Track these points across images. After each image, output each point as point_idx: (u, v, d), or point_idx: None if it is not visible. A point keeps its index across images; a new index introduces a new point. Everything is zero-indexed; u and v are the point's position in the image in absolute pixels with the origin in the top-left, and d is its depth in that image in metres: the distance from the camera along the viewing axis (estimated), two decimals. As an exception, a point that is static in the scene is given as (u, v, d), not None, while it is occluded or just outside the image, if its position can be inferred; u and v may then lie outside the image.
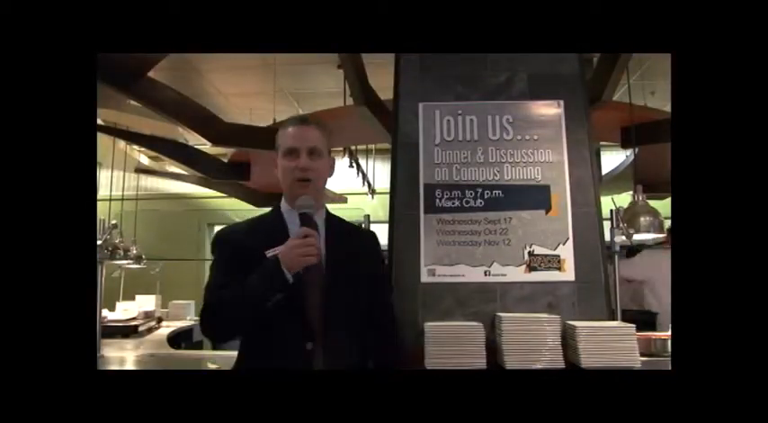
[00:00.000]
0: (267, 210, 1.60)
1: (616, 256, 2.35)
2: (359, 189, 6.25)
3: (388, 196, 2.24)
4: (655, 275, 3.36)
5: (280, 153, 1.48)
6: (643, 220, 2.81)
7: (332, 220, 1.55)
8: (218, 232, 1.52)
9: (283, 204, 1.52)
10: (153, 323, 4.85)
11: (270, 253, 1.37)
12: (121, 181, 5.53)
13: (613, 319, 2.11)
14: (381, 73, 2.94)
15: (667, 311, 2.99)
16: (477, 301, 2.08)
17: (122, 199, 5.46)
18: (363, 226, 2.45)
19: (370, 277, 1.55)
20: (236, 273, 1.36)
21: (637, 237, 2.72)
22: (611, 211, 2.46)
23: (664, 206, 3.19)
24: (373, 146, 6.40)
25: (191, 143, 5.41)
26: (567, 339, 1.92)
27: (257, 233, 1.47)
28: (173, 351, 3.67)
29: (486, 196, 2.14)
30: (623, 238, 2.47)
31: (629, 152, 4.71)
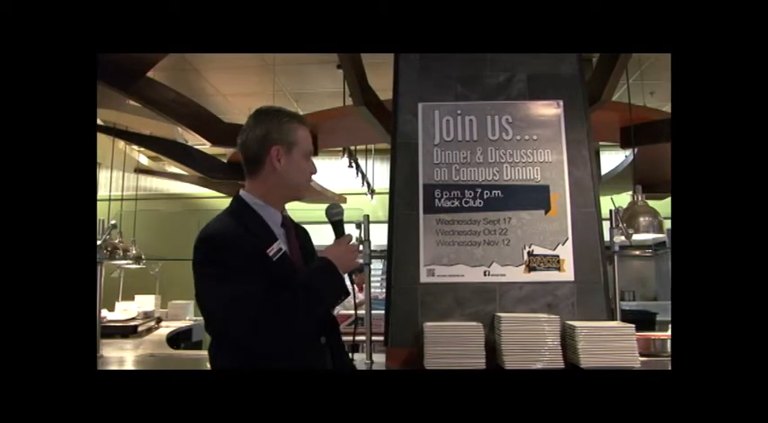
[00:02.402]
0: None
1: (615, 256, 2.36)
2: (358, 189, 6.25)
3: (387, 196, 2.24)
4: None
5: (299, 152, 1.41)
6: (642, 220, 2.82)
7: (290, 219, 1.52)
8: (211, 234, 1.33)
9: (255, 201, 1.41)
10: (152, 323, 4.85)
11: (270, 251, 1.33)
12: (121, 181, 5.52)
13: (613, 319, 2.11)
14: (381, 73, 2.94)
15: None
16: (477, 302, 2.08)
17: (122, 199, 5.45)
18: (363, 226, 2.45)
19: None
20: (252, 275, 1.26)
21: (636, 237, 2.72)
22: (611, 211, 2.46)
23: (663, 206, 3.20)
24: (373, 146, 6.41)
25: (190, 143, 5.41)
26: (567, 339, 1.92)
27: (246, 233, 1.35)
28: (172, 351, 3.67)
29: (485, 196, 2.15)
30: (622, 238, 2.47)
31: (628, 152, 4.72)
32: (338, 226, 1.43)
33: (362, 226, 2.43)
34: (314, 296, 1.31)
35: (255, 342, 1.26)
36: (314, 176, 1.49)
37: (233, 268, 1.27)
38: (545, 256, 2.10)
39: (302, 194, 1.46)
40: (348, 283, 1.38)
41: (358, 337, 2.17)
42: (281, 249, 1.34)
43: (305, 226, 1.57)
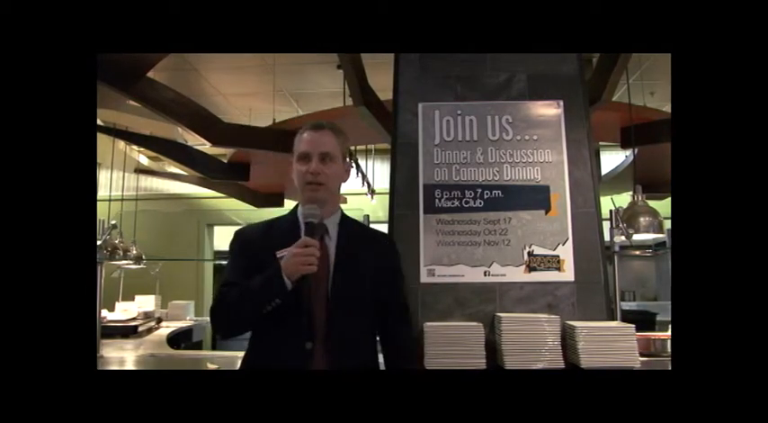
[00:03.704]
0: (271, 210, 1.62)
1: (615, 256, 2.36)
2: (359, 189, 6.25)
3: (387, 196, 2.24)
4: None
5: (294, 157, 1.51)
6: (642, 220, 2.82)
7: (347, 223, 1.55)
8: (237, 231, 1.57)
9: (300, 206, 1.54)
10: (152, 323, 4.85)
11: (280, 254, 1.39)
12: (121, 181, 5.52)
13: (613, 319, 2.11)
14: (381, 73, 2.94)
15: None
16: (477, 302, 2.08)
17: (122, 199, 5.45)
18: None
19: (382, 284, 1.53)
20: (247, 272, 1.41)
21: (636, 237, 2.72)
22: (611, 211, 2.46)
23: (663, 206, 3.20)
24: (373, 146, 6.41)
25: (190, 143, 5.41)
26: (567, 339, 1.92)
27: (272, 235, 1.50)
28: (172, 351, 3.67)
29: (485, 196, 2.15)
30: (623, 238, 2.47)
31: (628, 152, 4.72)
32: (306, 227, 1.41)
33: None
34: (247, 295, 1.39)
35: (212, 325, 1.48)
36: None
37: (232, 261, 1.51)
38: (545, 256, 2.10)
39: (305, 196, 1.48)
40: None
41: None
42: None
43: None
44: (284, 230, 1.50)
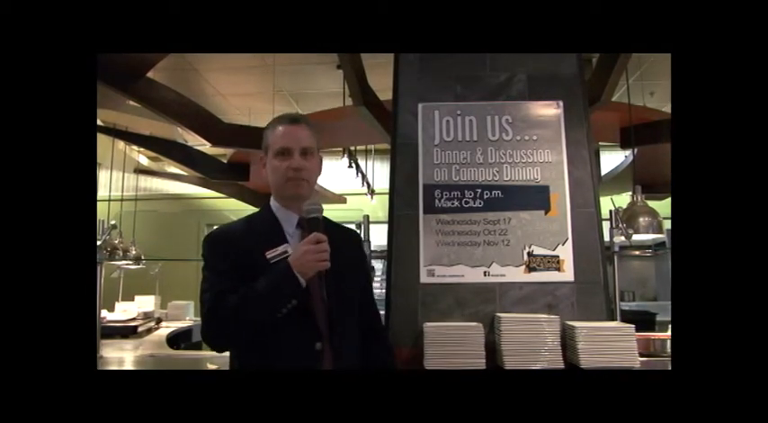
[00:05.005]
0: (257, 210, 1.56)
1: (615, 257, 2.36)
2: (358, 189, 6.25)
3: (387, 196, 2.24)
4: None
5: (270, 153, 1.45)
6: (642, 220, 2.82)
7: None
8: (211, 234, 1.46)
9: (273, 204, 1.49)
10: (152, 324, 4.86)
11: (270, 253, 1.36)
12: (121, 181, 5.53)
13: (612, 319, 2.11)
14: (381, 73, 2.94)
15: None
16: (477, 302, 2.08)
17: (122, 199, 5.46)
18: (362, 226, 2.45)
19: (359, 276, 1.54)
20: (236, 275, 1.33)
21: (636, 237, 2.72)
22: (611, 211, 2.46)
23: (663, 206, 3.20)
24: (373, 146, 6.41)
25: (190, 143, 5.42)
26: (567, 340, 1.92)
27: (252, 233, 1.43)
28: (172, 351, 3.67)
29: (485, 197, 2.15)
30: (622, 238, 2.48)
31: (628, 152, 4.72)
32: (310, 223, 1.37)
33: (362, 226, 2.43)
34: (254, 300, 1.29)
35: (208, 339, 1.35)
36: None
37: (213, 265, 1.39)
38: (545, 256, 2.10)
39: (287, 193, 1.43)
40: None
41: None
42: (285, 252, 1.37)
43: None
44: (265, 229, 1.44)
